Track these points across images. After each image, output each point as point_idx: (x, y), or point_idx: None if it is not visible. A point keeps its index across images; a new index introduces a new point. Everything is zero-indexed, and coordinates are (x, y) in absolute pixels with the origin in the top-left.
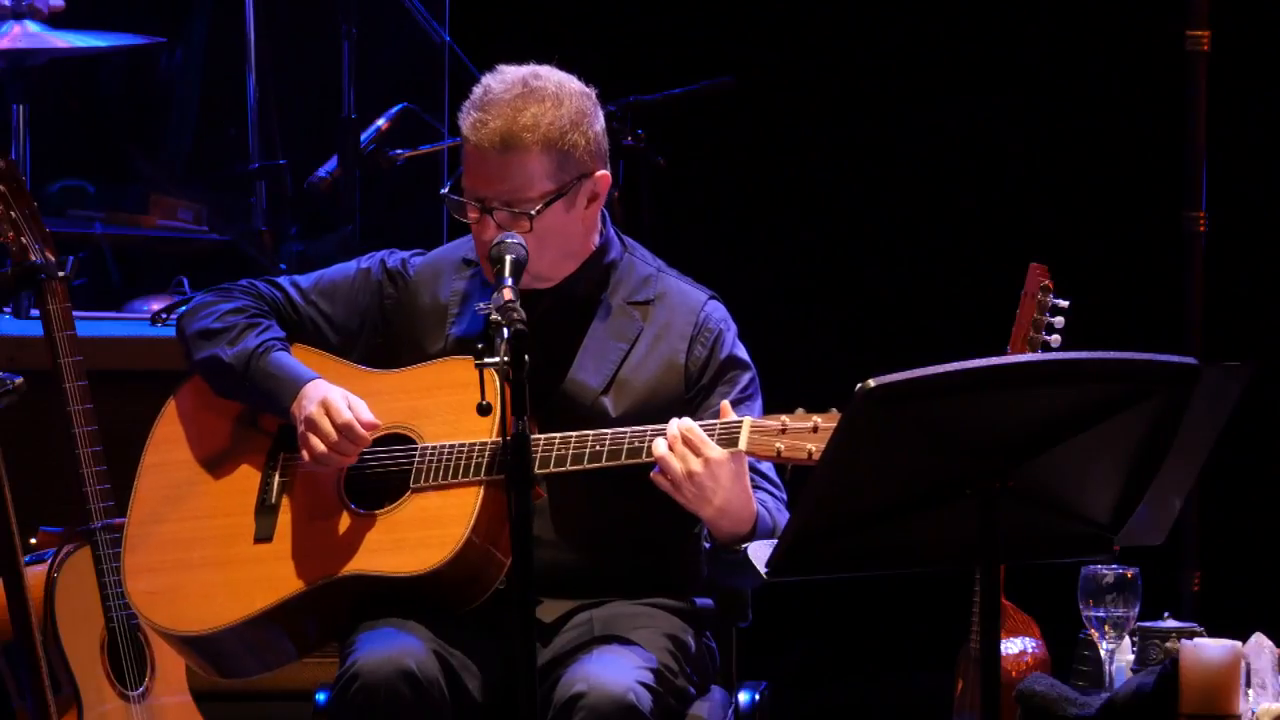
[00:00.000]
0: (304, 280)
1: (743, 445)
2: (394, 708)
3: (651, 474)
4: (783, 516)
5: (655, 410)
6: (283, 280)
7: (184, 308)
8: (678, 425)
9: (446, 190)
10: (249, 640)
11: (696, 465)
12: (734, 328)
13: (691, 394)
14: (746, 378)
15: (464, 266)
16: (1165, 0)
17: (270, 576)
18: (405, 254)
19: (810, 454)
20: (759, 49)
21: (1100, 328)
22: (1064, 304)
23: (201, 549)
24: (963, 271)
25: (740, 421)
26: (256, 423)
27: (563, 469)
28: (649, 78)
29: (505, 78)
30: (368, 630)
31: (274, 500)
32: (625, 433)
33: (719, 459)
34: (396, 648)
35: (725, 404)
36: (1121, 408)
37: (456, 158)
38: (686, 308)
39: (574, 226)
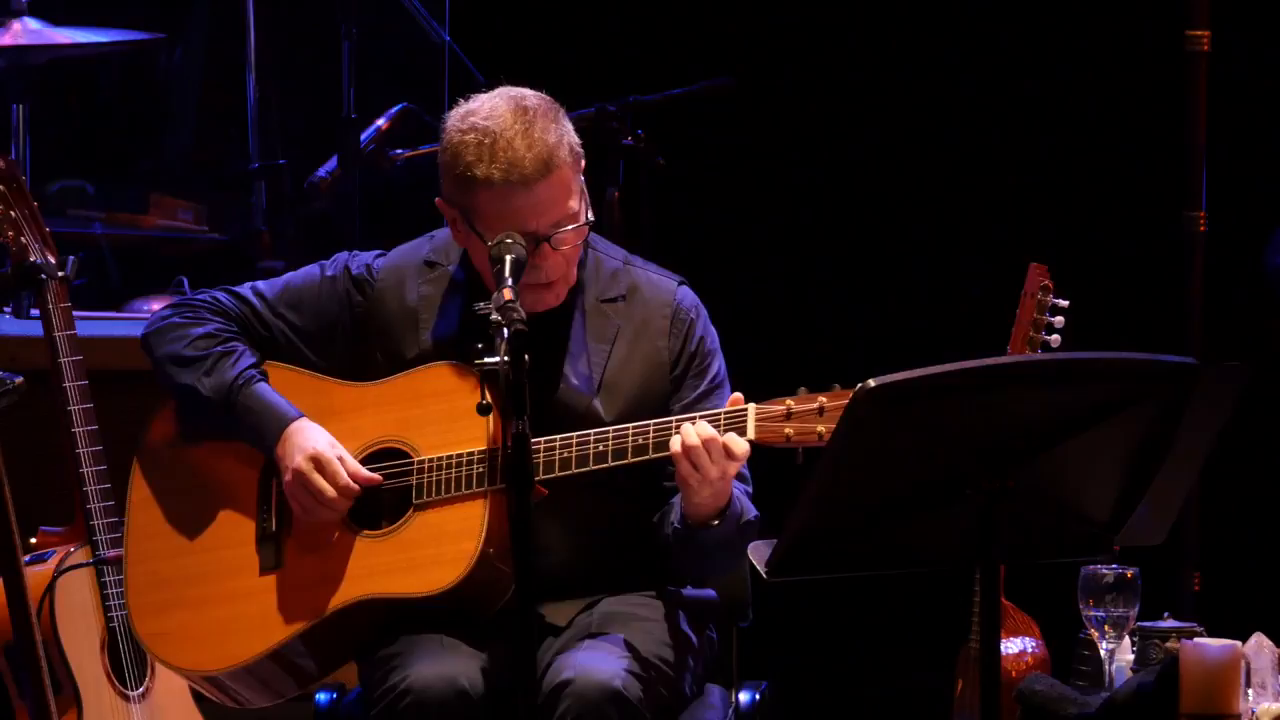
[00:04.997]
0: (268, 290)
1: (750, 434)
2: None
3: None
4: (749, 506)
5: (649, 411)
6: (245, 291)
7: (148, 326)
8: (697, 434)
9: (491, 243)
10: (267, 672)
11: (732, 470)
12: (704, 312)
13: (672, 388)
14: (716, 365)
15: (427, 269)
16: (1165, 0)
17: (284, 607)
18: (367, 257)
19: (820, 436)
20: (759, 49)
21: (1100, 328)
22: (1064, 304)
23: (208, 584)
24: (963, 271)
25: (745, 410)
26: (239, 449)
27: (568, 472)
28: (649, 78)
29: (494, 112)
30: (409, 645)
31: (274, 528)
32: (627, 429)
33: (744, 451)
34: (449, 665)
35: (738, 395)
36: (1121, 408)
37: None
38: (659, 300)
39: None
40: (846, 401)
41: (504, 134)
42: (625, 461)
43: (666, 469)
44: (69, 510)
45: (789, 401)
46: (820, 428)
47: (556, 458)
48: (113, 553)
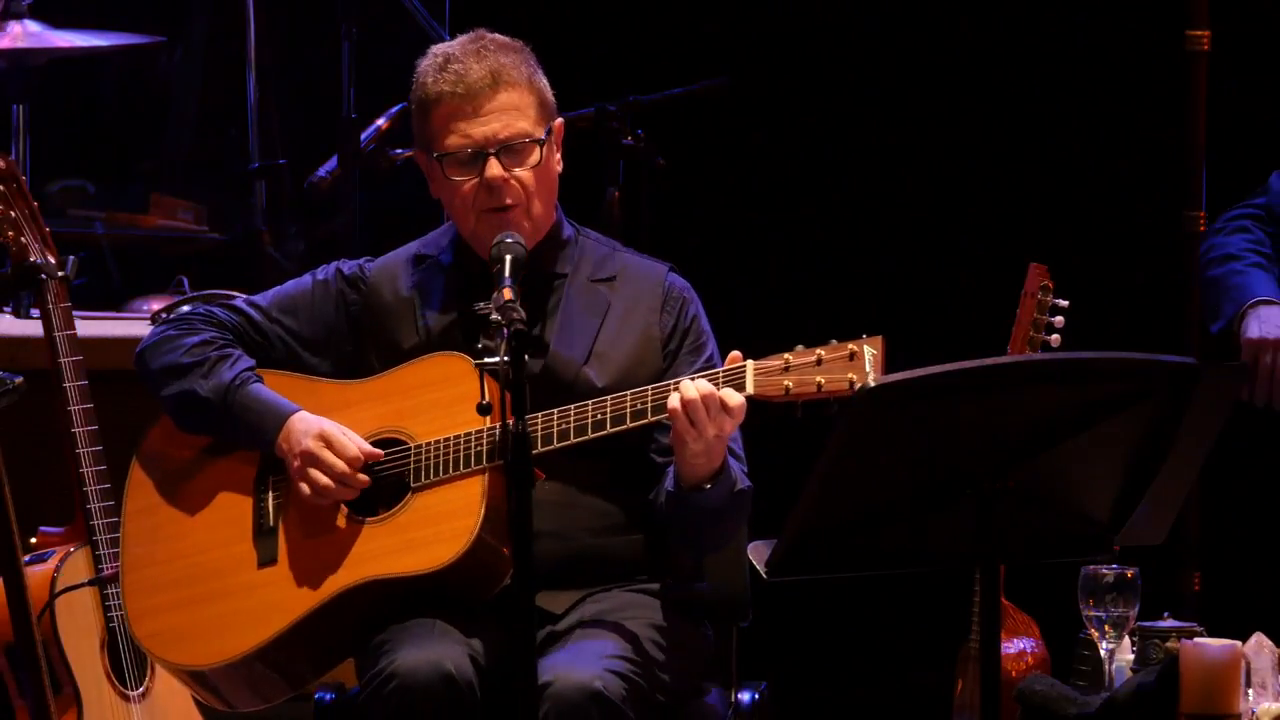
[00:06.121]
0: (261, 299)
1: (750, 389)
2: (430, 709)
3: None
4: (743, 477)
5: (639, 384)
6: (239, 303)
7: (143, 343)
8: (698, 393)
9: (436, 155)
10: (262, 670)
11: (729, 428)
12: (696, 296)
13: (666, 363)
14: (710, 346)
15: (417, 262)
16: (1165, 0)
17: (283, 597)
18: (357, 261)
19: (820, 386)
20: (759, 49)
21: (1100, 328)
22: (1064, 304)
23: (205, 583)
24: (963, 271)
25: (743, 366)
26: (233, 452)
27: (567, 443)
28: (649, 78)
29: (455, 42)
30: (400, 631)
31: (272, 523)
32: (625, 395)
33: (739, 405)
34: (436, 650)
35: (736, 353)
36: (1121, 408)
37: None
38: (650, 280)
39: (555, 171)
40: (844, 354)
41: (456, 53)
42: (625, 427)
43: (659, 440)
44: (69, 510)
45: (787, 356)
46: (819, 378)
47: (555, 429)
48: (110, 570)
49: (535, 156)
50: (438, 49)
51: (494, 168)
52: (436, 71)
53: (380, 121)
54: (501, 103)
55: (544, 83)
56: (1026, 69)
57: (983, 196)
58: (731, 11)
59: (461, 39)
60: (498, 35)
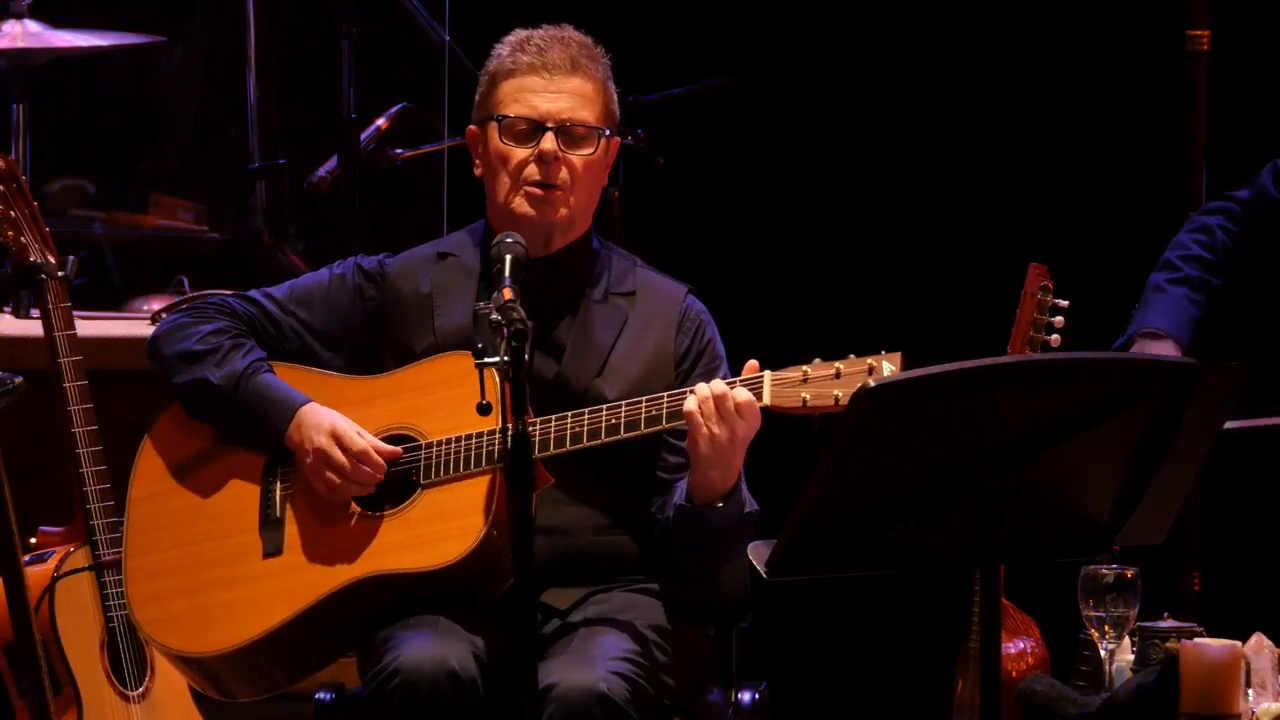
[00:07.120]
0: (277, 291)
1: (766, 400)
2: (434, 706)
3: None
4: (751, 499)
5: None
6: (254, 294)
7: (157, 329)
8: (711, 392)
9: (496, 116)
10: (263, 660)
11: (741, 431)
12: (713, 321)
13: (678, 382)
14: (724, 370)
15: (437, 260)
16: (1165, 0)
17: (287, 588)
18: (377, 256)
19: (838, 400)
20: (759, 49)
21: (1100, 328)
22: (1064, 304)
23: (209, 571)
24: (963, 271)
25: (760, 376)
26: (241, 447)
27: (579, 446)
28: (649, 78)
29: (540, 29)
30: (404, 628)
31: (278, 514)
32: (640, 401)
33: (748, 401)
34: (441, 646)
35: (753, 363)
36: (1121, 408)
37: (457, 157)
38: (669, 299)
39: (601, 179)
40: (863, 368)
41: (537, 34)
42: (638, 433)
43: (668, 460)
44: (69, 510)
45: (804, 368)
46: (838, 391)
47: (568, 432)
48: (110, 556)
49: (591, 147)
50: (520, 30)
51: (549, 141)
52: (516, 46)
53: (380, 121)
54: (574, 86)
55: (614, 92)
56: (1027, 69)
57: (983, 197)
58: (731, 11)
59: (546, 27)
60: (583, 35)
